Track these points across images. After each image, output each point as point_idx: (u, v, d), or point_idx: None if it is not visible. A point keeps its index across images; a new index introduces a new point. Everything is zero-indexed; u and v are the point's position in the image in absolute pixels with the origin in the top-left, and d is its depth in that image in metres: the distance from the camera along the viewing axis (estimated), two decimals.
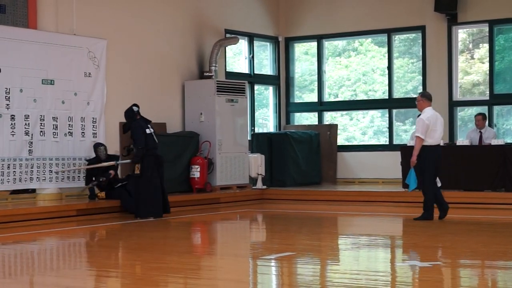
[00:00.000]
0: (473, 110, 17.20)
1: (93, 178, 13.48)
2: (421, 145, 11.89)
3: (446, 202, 12.21)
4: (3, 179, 12.96)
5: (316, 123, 18.97)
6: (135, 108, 13.24)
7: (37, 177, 13.41)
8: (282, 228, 11.97)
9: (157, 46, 15.83)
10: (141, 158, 12.94)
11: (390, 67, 18.13)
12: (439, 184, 12.30)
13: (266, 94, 19.47)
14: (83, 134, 14.14)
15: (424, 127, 11.86)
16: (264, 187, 16.60)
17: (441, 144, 12.51)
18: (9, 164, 13.03)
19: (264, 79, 19.01)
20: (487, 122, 15.81)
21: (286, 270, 8.17)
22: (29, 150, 13.28)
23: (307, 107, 19.34)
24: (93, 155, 13.94)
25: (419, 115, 12.14)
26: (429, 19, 17.36)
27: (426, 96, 12.19)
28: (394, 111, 18.11)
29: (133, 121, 13.17)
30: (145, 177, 12.90)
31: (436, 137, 12.02)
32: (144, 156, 12.95)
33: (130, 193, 13.27)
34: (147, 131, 13.11)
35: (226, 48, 17.44)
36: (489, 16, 16.80)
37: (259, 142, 17.38)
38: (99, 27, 14.44)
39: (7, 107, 13.02)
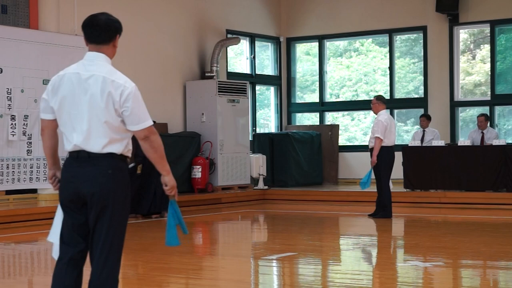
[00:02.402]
0: (474, 111, 17.20)
1: None
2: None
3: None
4: (3, 179, 12.96)
5: (318, 123, 18.96)
6: None
7: (37, 178, 13.41)
8: (284, 228, 11.97)
9: (159, 46, 15.83)
10: (143, 159, 13.06)
11: (391, 68, 18.13)
12: (391, 187, 12.54)
13: (267, 94, 19.47)
14: None
15: (383, 128, 12.25)
16: (266, 187, 16.59)
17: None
18: (7, 164, 13.03)
19: (265, 79, 19.01)
20: (488, 123, 15.81)
21: (287, 270, 8.17)
22: (28, 150, 13.27)
23: (308, 107, 19.34)
24: None
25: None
26: (430, 19, 17.35)
27: (381, 99, 12.71)
28: (396, 111, 18.10)
29: None
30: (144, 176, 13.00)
31: (392, 138, 12.47)
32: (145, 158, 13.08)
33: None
34: None
35: (228, 48, 17.44)
36: (490, 17, 16.80)
37: (261, 143, 17.38)
38: None
39: (9, 107, 13.02)
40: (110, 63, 4.70)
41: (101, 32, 4.70)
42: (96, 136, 4.43)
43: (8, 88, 13.01)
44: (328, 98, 19.19)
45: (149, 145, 4.50)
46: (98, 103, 4.45)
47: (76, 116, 4.47)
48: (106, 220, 4.43)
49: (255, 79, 18.49)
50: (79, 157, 4.46)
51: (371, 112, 18.87)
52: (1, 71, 12.93)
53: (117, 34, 4.74)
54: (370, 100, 18.46)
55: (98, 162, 4.44)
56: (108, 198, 4.42)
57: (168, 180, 4.54)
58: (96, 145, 4.43)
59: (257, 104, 18.66)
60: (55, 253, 4.64)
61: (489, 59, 17.05)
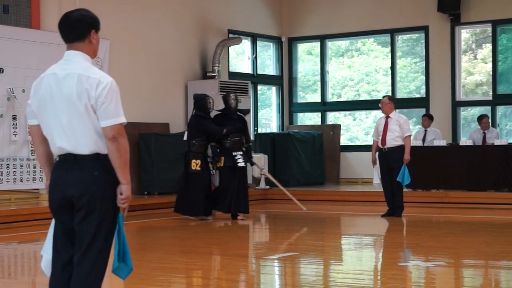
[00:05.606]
0: (476, 110, 17.19)
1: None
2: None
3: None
4: (2, 179, 12.97)
5: (319, 123, 18.96)
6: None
7: (40, 177, 13.42)
8: (285, 228, 11.97)
9: (160, 46, 15.84)
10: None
11: (393, 67, 18.13)
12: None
13: (269, 94, 19.47)
14: None
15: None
16: (267, 187, 16.57)
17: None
18: (8, 164, 13.03)
19: (267, 79, 19.01)
20: (490, 123, 15.82)
21: (289, 270, 8.17)
22: (32, 150, 13.29)
23: (310, 107, 19.34)
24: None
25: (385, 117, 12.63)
26: (432, 19, 17.35)
27: (394, 100, 12.81)
28: (397, 111, 18.04)
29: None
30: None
31: None
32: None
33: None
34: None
35: (229, 48, 17.44)
36: (492, 16, 16.79)
37: (262, 142, 17.37)
38: (102, 27, 14.24)
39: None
40: (88, 60, 4.40)
41: (72, 29, 4.39)
42: (79, 138, 4.27)
43: (9, 88, 13.02)
44: (330, 98, 19.19)
45: (115, 147, 4.23)
46: (76, 104, 4.24)
47: (56, 118, 4.30)
48: (92, 223, 4.27)
49: (257, 79, 18.49)
50: (65, 160, 4.32)
51: (373, 112, 18.93)
52: (2, 71, 12.94)
53: (92, 29, 4.44)
54: (372, 100, 18.58)
55: (84, 165, 4.28)
56: (94, 201, 4.26)
57: (126, 190, 4.29)
58: (81, 147, 4.28)
59: (258, 104, 18.65)
60: (46, 268, 4.59)
61: (491, 59, 17.05)
